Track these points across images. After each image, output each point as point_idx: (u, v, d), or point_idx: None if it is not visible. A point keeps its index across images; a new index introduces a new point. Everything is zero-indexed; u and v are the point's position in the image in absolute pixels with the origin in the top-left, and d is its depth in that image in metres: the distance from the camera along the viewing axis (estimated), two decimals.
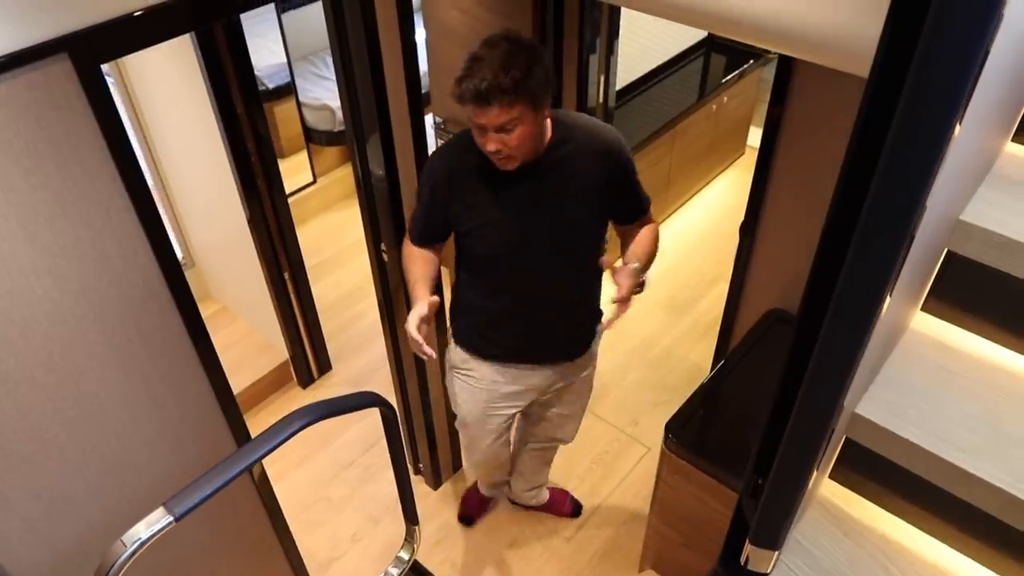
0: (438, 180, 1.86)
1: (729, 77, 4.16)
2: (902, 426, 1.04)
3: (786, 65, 1.95)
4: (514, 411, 2.23)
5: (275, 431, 1.20)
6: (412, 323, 1.75)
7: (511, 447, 2.52)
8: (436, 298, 1.83)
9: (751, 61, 4.24)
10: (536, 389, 2.17)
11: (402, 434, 2.45)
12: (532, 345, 2.06)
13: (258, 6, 1.57)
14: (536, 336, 2.04)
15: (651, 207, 2.00)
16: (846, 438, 1.14)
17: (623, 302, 1.72)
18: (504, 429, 2.28)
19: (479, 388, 2.14)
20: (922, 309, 1.21)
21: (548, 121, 1.78)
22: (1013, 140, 1.20)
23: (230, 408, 1.86)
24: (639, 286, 1.80)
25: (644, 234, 1.97)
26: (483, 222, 1.84)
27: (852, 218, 0.69)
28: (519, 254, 1.87)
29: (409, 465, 2.85)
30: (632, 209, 1.97)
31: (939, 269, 1.16)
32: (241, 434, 1.93)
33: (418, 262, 1.94)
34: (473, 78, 1.59)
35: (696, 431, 2.10)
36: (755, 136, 4.77)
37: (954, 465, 0.99)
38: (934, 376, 1.11)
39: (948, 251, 1.11)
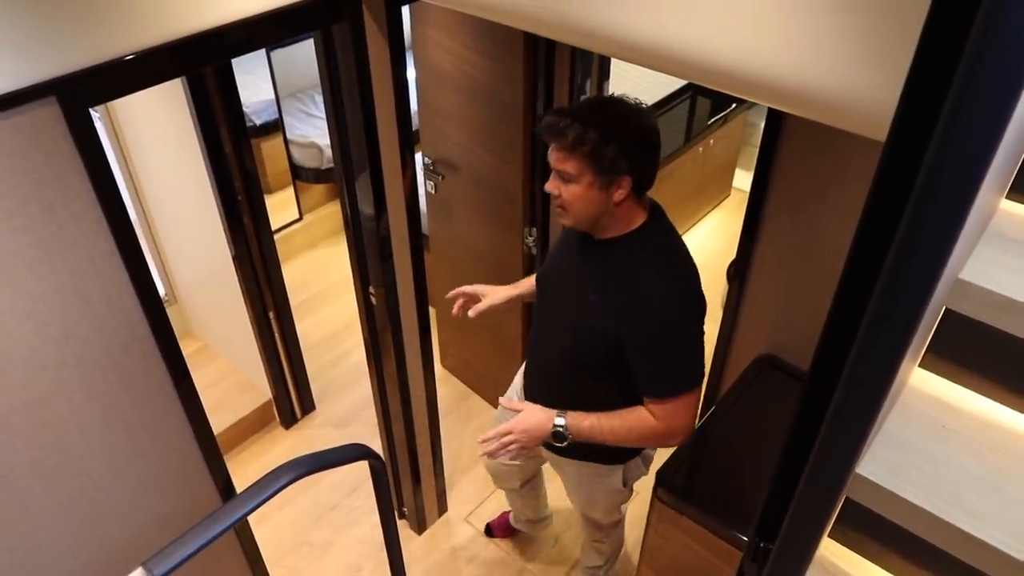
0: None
1: (715, 120, 4.21)
2: (904, 487, 1.02)
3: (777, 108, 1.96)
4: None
5: (260, 487, 1.16)
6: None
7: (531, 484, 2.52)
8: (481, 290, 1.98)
9: (736, 105, 4.29)
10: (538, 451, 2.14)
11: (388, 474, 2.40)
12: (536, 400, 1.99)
13: (249, 51, 1.56)
14: (531, 396, 1.98)
15: (672, 401, 1.65)
16: (846, 497, 1.12)
17: (488, 449, 1.72)
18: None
19: (511, 392, 2.21)
20: (920, 365, 1.20)
21: (634, 211, 1.66)
22: (1007, 197, 1.21)
23: (212, 455, 1.82)
24: (561, 438, 1.70)
25: (626, 415, 1.70)
26: (541, 273, 1.92)
27: (867, 281, 0.68)
28: (539, 318, 1.91)
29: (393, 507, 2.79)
30: (639, 381, 1.69)
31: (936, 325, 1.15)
32: (223, 481, 1.88)
33: None
34: (556, 113, 1.58)
35: (687, 479, 2.07)
36: (740, 178, 4.81)
37: (958, 528, 0.97)
38: (935, 434, 1.09)
39: (945, 308, 1.10)
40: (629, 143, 1.54)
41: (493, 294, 1.99)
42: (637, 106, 1.61)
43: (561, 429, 1.70)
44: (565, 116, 1.55)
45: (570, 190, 1.59)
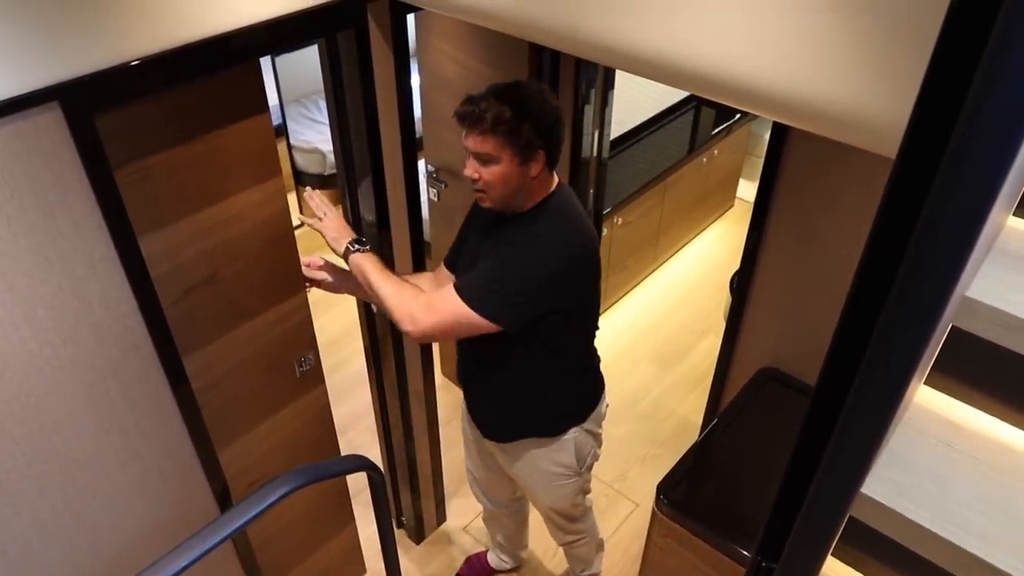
0: (470, 210, 1.97)
1: (719, 130, 4.20)
2: (910, 508, 1.00)
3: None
4: (476, 444, 2.20)
5: (258, 497, 1.15)
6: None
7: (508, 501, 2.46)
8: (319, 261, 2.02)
9: (740, 115, 4.29)
10: (485, 447, 2.15)
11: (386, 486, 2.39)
12: (466, 388, 2.05)
13: (255, 57, 1.55)
14: (466, 382, 2.02)
15: (454, 295, 1.65)
16: (849, 515, 1.11)
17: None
18: (476, 454, 2.25)
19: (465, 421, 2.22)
20: (925, 383, 1.18)
21: (544, 186, 1.72)
22: (1015, 215, 1.20)
23: (210, 463, 1.80)
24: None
25: (408, 281, 1.76)
26: (456, 249, 1.96)
27: (876, 298, 0.67)
28: None
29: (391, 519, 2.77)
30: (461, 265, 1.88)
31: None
32: (220, 489, 1.86)
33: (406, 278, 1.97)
34: (470, 101, 1.63)
35: (689, 493, 2.05)
36: (744, 189, 4.80)
37: (967, 551, 0.96)
38: (941, 455, 1.07)
39: (952, 326, 1.09)
40: (541, 121, 1.62)
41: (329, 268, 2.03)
42: (541, 87, 1.70)
43: (362, 240, 1.78)
44: (479, 101, 1.62)
45: (491, 171, 1.64)
